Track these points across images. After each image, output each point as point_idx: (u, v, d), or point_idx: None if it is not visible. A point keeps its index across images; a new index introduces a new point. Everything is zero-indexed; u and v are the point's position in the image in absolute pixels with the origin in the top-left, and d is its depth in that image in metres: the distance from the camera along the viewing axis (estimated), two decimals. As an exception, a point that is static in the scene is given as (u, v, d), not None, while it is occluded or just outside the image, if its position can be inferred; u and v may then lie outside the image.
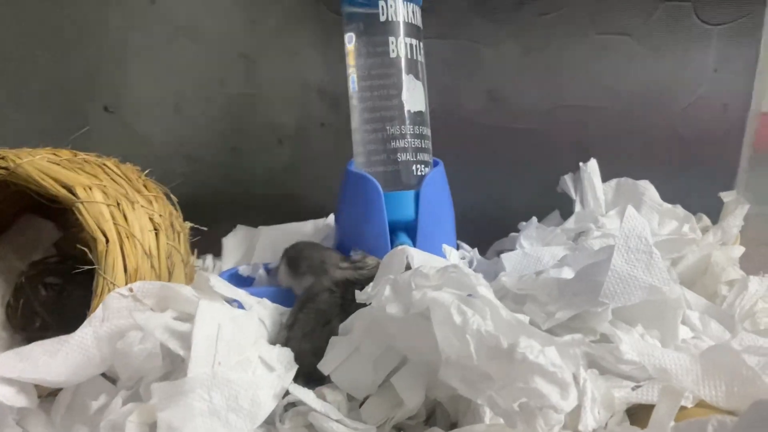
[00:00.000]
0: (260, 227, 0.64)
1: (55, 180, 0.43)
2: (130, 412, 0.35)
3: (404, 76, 0.52)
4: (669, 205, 0.61)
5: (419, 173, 0.52)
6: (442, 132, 0.56)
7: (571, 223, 0.59)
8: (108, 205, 0.44)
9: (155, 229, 0.48)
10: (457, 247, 0.61)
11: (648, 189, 0.61)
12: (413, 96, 0.52)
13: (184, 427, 0.33)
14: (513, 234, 0.63)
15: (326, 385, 0.40)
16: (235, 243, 0.63)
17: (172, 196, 0.57)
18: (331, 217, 0.65)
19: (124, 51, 0.65)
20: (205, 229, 0.58)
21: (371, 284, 0.40)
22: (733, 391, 0.36)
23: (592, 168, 0.62)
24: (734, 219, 0.60)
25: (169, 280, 0.49)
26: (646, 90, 0.67)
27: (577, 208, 0.61)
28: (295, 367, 0.39)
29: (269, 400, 0.37)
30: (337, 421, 0.37)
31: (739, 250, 0.59)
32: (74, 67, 0.66)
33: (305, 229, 0.64)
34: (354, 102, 0.54)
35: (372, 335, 0.38)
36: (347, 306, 0.42)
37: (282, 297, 0.49)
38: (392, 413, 0.38)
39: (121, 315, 0.40)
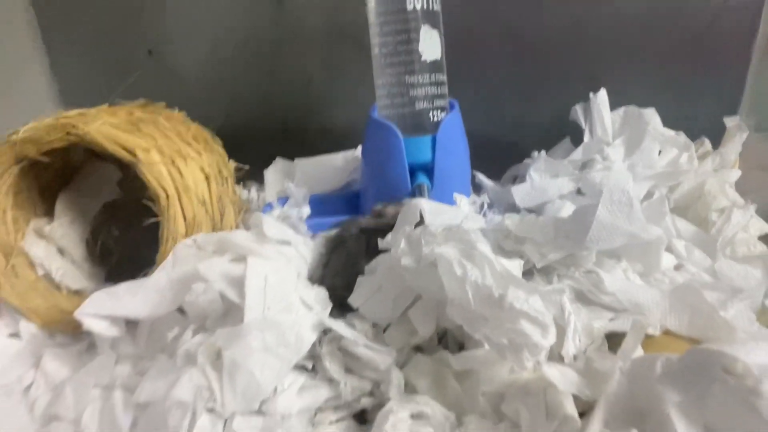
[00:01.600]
0: (296, 159, 0.71)
1: (119, 144, 0.51)
2: (200, 343, 0.45)
3: (421, 28, 0.56)
4: (672, 133, 0.65)
5: (435, 119, 0.58)
6: (458, 64, 0.61)
7: (578, 153, 0.64)
8: (165, 164, 0.52)
9: (206, 179, 0.56)
10: (474, 179, 0.67)
11: (653, 118, 0.65)
12: (429, 46, 0.57)
13: (245, 362, 0.42)
14: (527, 160, 0.69)
15: (355, 314, 0.48)
16: (275, 175, 0.70)
17: (217, 139, 0.64)
18: (359, 149, 0.71)
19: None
20: (247, 166, 0.65)
21: (391, 233, 0.47)
22: (694, 322, 0.44)
23: (601, 99, 0.66)
24: (733, 145, 0.64)
25: (222, 221, 0.57)
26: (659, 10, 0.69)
27: (587, 136, 0.66)
28: (329, 305, 0.48)
29: (310, 333, 0.45)
30: (364, 345, 0.46)
31: (735, 174, 0.64)
32: (120, 12, 0.71)
33: (336, 161, 0.70)
34: (375, 51, 0.58)
35: (391, 277, 0.46)
36: (371, 250, 0.49)
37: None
38: (410, 339, 0.46)
39: (187, 261, 0.49)
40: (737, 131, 0.64)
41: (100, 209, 0.62)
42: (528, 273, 0.50)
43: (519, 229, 0.51)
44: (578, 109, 0.67)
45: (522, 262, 0.46)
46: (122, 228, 0.59)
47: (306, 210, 0.61)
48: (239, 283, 0.46)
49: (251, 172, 0.68)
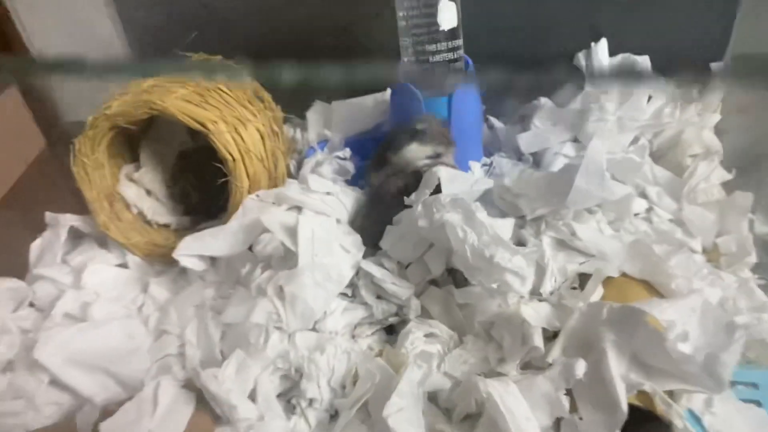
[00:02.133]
0: (333, 103, 0.82)
1: (191, 118, 0.63)
2: (268, 278, 0.60)
3: (439, 1, 0.65)
4: (661, 81, 0.74)
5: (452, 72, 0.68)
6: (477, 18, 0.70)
7: (577, 103, 0.74)
8: (229, 132, 0.64)
9: (261, 138, 0.68)
10: (486, 119, 0.78)
11: (645, 68, 0.73)
12: (447, 17, 0.65)
13: (301, 294, 0.57)
14: (534, 102, 0.79)
15: (384, 254, 0.62)
16: (315, 116, 0.82)
17: (266, 94, 0.75)
18: (388, 92, 0.81)
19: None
20: (292, 116, 0.77)
21: (415, 194, 0.60)
22: (645, 269, 0.56)
23: (601, 48, 0.74)
24: (714, 95, 0.73)
25: (276, 170, 0.70)
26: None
27: (587, 82, 0.75)
28: (362, 249, 0.62)
29: (349, 271, 0.60)
30: (390, 282, 0.60)
31: (714, 119, 0.73)
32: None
33: (367, 103, 0.81)
34: (399, 19, 0.67)
35: (412, 229, 0.59)
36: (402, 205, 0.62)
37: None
38: (425, 275, 0.61)
39: (253, 212, 0.63)
40: (719, 81, 0.72)
41: (177, 156, 0.75)
42: (521, 220, 0.63)
43: (515, 186, 0.63)
44: (581, 56, 0.76)
45: (513, 221, 0.59)
46: (196, 174, 0.73)
47: (346, 152, 0.74)
48: (293, 234, 0.59)
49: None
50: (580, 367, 0.48)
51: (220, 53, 0.76)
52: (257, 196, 0.63)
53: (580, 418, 0.46)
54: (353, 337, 0.62)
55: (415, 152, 0.64)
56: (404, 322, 0.61)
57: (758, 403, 0.52)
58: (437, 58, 0.66)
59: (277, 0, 0.81)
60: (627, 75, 0.73)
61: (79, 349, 0.58)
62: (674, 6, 0.75)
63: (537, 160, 0.73)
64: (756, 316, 0.55)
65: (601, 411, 0.45)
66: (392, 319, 0.62)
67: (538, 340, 0.52)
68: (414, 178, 0.63)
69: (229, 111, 0.66)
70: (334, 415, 0.56)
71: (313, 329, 0.59)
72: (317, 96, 0.83)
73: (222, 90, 0.68)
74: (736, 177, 0.72)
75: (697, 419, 0.51)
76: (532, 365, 0.53)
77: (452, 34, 0.66)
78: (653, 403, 0.47)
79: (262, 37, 0.83)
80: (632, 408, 0.45)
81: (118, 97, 0.65)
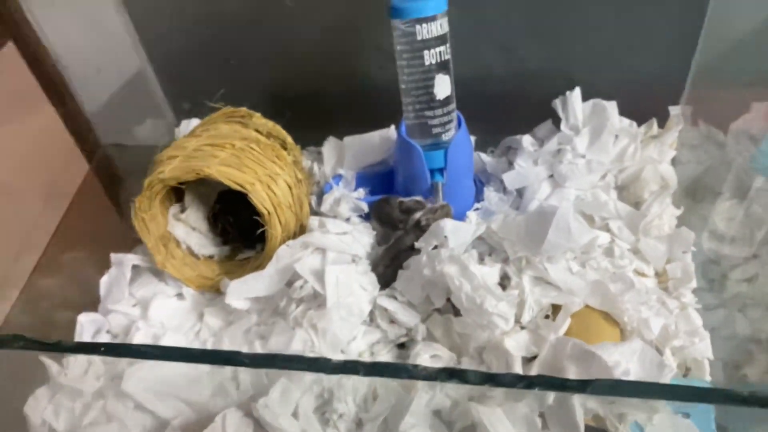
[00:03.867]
0: (344, 138, 0.95)
1: (233, 181, 0.76)
2: (303, 312, 0.74)
3: (435, 76, 0.77)
4: (626, 123, 0.87)
5: (446, 138, 0.80)
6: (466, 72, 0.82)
7: (554, 143, 0.87)
8: (264, 190, 0.77)
9: (290, 188, 0.82)
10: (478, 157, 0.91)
11: (612, 113, 0.86)
12: (442, 88, 0.77)
13: (330, 327, 0.72)
14: (518, 136, 0.91)
15: (398, 292, 0.76)
16: (330, 152, 0.95)
17: (289, 139, 0.88)
18: (392, 129, 0.94)
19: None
20: (308, 149, 0.91)
21: (423, 240, 0.74)
22: (603, 303, 0.71)
23: (575, 95, 0.87)
24: (671, 133, 0.85)
25: (301, 212, 0.84)
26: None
27: (563, 124, 0.88)
28: (377, 286, 0.76)
29: (367, 306, 0.74)
30: (400, 313, 0.75)
31: (670, 155, 0.86)
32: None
33: (374, 140, 0.94)
34: (402, 86, 0.79)
35: (419, 273, 0.73)
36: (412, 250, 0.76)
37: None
38: (430, 306, 0.75)
39: (285, 258, 0.77)
40: (675, 122, 0.85)
41: (216, 197, 0.88)
42: (506, 259, 0.77)
43: (500, 230, 0.77)
44: (558, 102, 0.88)
45: (499, 267, 0.74)
46: (233, 212, 0.86)
47: (359, 192, 0.88)
48: (321, 278, 0.74)
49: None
50: (550, 395, 0.64)
51: (240, 101, 0.89)
52: (287, 245, 0.77)
53: (550, 436, 0.62)
54: (372, 354, 0.77)
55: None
56: (413, 340, 0.76)
57: (687, 415, 0.68)
58: (434, 121, 0.79)
59: (293, 49, 0.93)
60: (599, 116, 0.86)
61: (155, 379, 0.73)
62: (635, 56, 0.87)
63: (520, 192, 0.87)
64: (689, 340, 0.70)
65: (565, 431, 0.61)
66: (403, 339, 0.77)
67: (518, 368, 0.67)
68: (422, 231, 0.77)
69: (262, 170, 0.79)
70: (359, 424, 0.72)
71: (342, 352, 0.75)
72: (330, 130, 0.96)
73: (254, 149, 0.81)
74: (690, 200, 0.86)
75: (641, 429, 0.67)
76: (513, 386, 0.69)
77: (446, 101, 0.78)
78: (605, 423, 0.63)
79: (280, 85, 0.95)
80: (588, 427, 0.61)
81: (168, 161, 0.78)
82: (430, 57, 0.75)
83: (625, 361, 0.62)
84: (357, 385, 0.72)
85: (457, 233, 0.74)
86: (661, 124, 0.89)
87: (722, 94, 0.85)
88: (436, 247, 0.74)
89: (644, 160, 0.85)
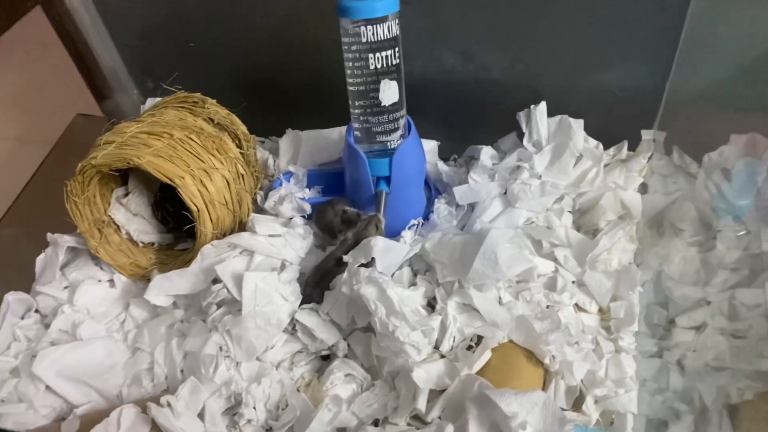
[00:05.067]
0: (303, 132, 0.91)
1: (162, 174, 0.73)
2: (221, 316, 0.72)
3: (381, 81, 0.72)
4: (593, 144, 0.81)
5: (392, 146, 0.76)
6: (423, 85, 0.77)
7: (513, 159, 0.82)
8: (195, 185, 0.75)
9: (227, 184, 0.79)
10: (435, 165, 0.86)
11: (578, 131, 0.80)
12: (388, 94, 0.73)
13: (245, 335, 0.70)
14: (481, 146, 0.86)
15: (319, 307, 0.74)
16: (287, 145, 0.91)
17: (243, 127, 0.85)
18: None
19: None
20: (263, 140, 0.88)
21: (351, 256, 0.71)
22: (527, 340, 0.67)
23: (540, 109, 0.81)
24: (639, 159, 0.79)
25: (240, 209, 0.81)
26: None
27: (526, 139, 0.82)
28: (299, 298, 0.73)
29: (286, 318, 0.72)
30: (320, 330, 0.72)
31: (637, 182, 0.80)
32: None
33: (333, 136, 0.90)
34: (349, 88, 0.75)
35: (344, 293, 0.70)
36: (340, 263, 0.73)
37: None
38: (354, 325, 0.72)
39: (210, 257, 0.75)
40: (647, 147, 0.79)
41: (159, 183, 0.86)
42: (435, 281, 0.73)
43: (433, 252, 0.73)
44: (522, 116, 0.82)
45: (423, 290, 0.70)
46: (175, 203, 0.84)
47: (306, 192, 0.85)
48: (240, 284, 0.71)
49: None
50: (449, 431, 0.60)
51: (201, 89, 0.86)
52: (212, 245, 0.75)
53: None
54: (292, 363, 0.75)
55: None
56: (335, 354, 0.74)
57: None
58: (379, 129, 0.75)
59: (259, 36, 0.89)
60: (563, 134, 0.80)
61: (68, 364, 0.72)
62: (607, 72, 0.80)
63: (472, 206, 0.82)
64: (614, 390, 0.66)
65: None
66: (325, 352, 0.75)
67: (422, 402, 0.64)
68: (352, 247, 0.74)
69: (197, 163, 0.76)
70: (269, 430, 0.70)
71: (257, 359, 0.73)
72: (292, 122, 0.92)
73: (193, 140, 0.78)
74: (654, 233, 0.81)
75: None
76: (418, 418, 0.66)
77: (394, 107, 0.74)
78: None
79: (241, 72, 0.92)
80: None
81: (104, 146, 0.75)
82: (376, 61, 0.71)
83: (524, 413, 0.58)
84: (269, 392, 0.70)
85: (387, 254, 0.71)
86: (633, 147, 0.83)
87: (700, 120, 0.79)
88: (363, 264, 0.71)
89: (605, 186, 0.79)
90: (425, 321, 0.67)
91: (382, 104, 0.73)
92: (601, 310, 0.75)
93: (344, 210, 0.78)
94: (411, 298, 0.69)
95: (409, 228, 0.79)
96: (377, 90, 0.72)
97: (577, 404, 0.67)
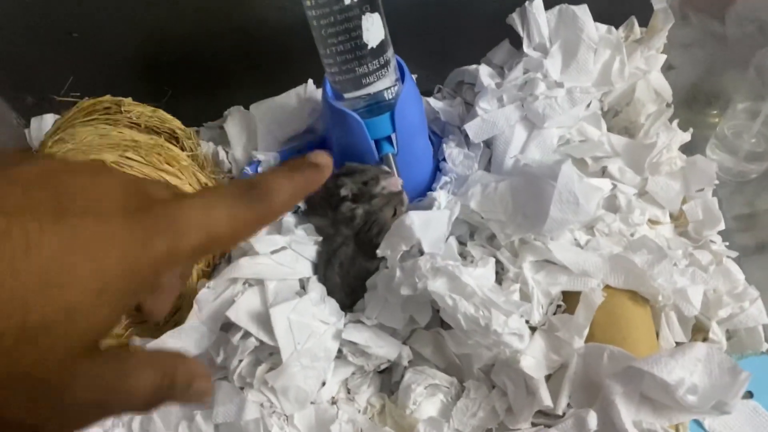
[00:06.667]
0: (251, 106, 0.72)
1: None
2: (251, 366, 0.56)
3: (362, 17, 0.55)
4: (604, 29, 0.68)
5: (390, 97, 0.60)
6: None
7: (519, 72, 0.68)
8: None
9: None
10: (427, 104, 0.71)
11: (586, 20, 0.67)
12: (373, 31, 0.56)
13: (292, 383, 0.54)
14: (473, 67, 0.72)
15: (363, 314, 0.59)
16: (236, 128, 0.72)
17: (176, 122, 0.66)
18: (311, 84, 0.72)
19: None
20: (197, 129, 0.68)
21: (387, 244, 0.56)
22: (628, 281, 0.56)
23: (536, 5, 0.67)
24: (660, 34, 0.68)
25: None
26: None
27: (526, 44, 0.69)
28: (342, 315, 0.58)
29: (334, 343, 0.57)
30: (375, 346, 0.57)
31: (661, 60, 0.69)
32: None
33: (290, 102, 0.72)
34: (320, 48, 0.58)
35: (393, 292, 0.56)
36: (362, 246, 0.58)
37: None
38: (414, 325, 0.58)
39: (209, 304, 0.57)
40: (663, 18, 0.67)
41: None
42: (491, 237, 0.60)
43: (482, 209, 0.59)
44: (515, 17, 0.68)
45: (493, 263, 0.56)
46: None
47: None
48: (267, 326, 0.55)
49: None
50: (593, 420, 0.49)
51: (105, 91, 0.66)
52: (209, 287, 0.58)
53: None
54: (349, 393, 0.60)
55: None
56: (397, 363, 0.60)
57: (749, 394, 0.55)
58: (371, 79, 0.58)
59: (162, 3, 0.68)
60: (569, 28, 0.67)
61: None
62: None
63: (488, 142, 0.68)
64: (738, 306, 0.56)
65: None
66: (384, 365, 0.61)
67: (545, 395, 0.52)
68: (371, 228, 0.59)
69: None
70: (355, 485, 0.57)
71: (312, 403, 0.58)
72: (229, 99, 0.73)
73: (133, 159, 0.59)
74: (686, 112, 0.71)
75: (698, 422, 0.54)
76: (542, 413, 0.54)
77: (381, 48, 0.57)
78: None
79: (149, 55, 0.71)
80: None
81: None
82: (349, -11, 0.54)
83: (689, 375, 0.47)
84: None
85: (428, 229, 0.56)
86: (643, 23, 0.71)
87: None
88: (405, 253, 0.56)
89: (633, 76, 0.67)
90: (514, 300, 0.54)
91: (369, 47, 0.57)
92: (672, 218, 0.65)
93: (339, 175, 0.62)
94: (485, 276, 0.55)
95: (441, 187, 0.64)
96: (356, 29, 0.56)
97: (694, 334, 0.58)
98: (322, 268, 0.61)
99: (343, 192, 0.60)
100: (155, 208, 0.21)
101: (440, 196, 0.62)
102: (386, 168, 0.62)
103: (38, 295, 0.17)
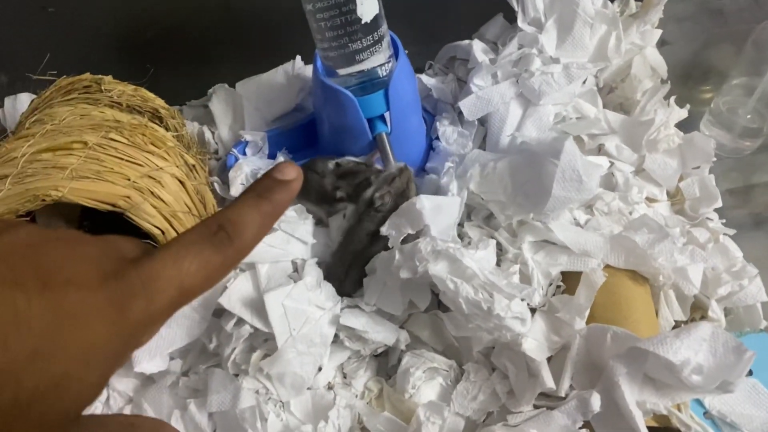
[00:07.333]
0: (237, 84, 0.70)
1: (98, 200, 0.52)
2: (246, 356, 0.55)
3: (355, -9, 0.53)
4: (599, 4, 0.66)
5: (384, 74, 0.58)
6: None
7: (513, 47, 0.66)
8: (146, 200, 0.54)
9: (182, 184, 0.58)
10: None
11: (581, -2, 0.65)
12: (366, 6, 0.54)
13: (288, 369, 0.53)
14: (465, 41, 0.70)
15: (361, 300, 0.57)
16: (221, 107, 0.70)
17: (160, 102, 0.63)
18: (299, 60, 0.70)
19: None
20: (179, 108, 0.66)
21: (392, 226, 0.55)
22: (629, 260, 0.55)
23: (532, -22, 0.65)
24: (656, 10, 0.66)
25: (205, 208, 0.61)
26: None
27: (520, 18, 0.67)
28: (338, 301, 0.56)
29: (330, 329, 0.55)
30: (373, 331, 0.56)
31: (656, 35, 0.68)
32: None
33: (277, 79, 0.69)
34: (311, 22, 0.56)
35: (392, 276, 0.54)
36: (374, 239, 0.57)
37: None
38: (412, 309, 0.57)
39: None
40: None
41: (80, 213, 0.64)
42: (488, 217, 0.59)
43: (482, 190, 0.58)
44: (509, -11, 0.66)
45: (494, 245, 0.55)
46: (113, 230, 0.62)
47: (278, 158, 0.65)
48: (261, 312, 0.53)
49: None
50: (596, 401, 0.48)
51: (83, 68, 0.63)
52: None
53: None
54: (345, 377, 0.59)
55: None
56: (393, 348, 0.59)
57: (749, 371, 0.55)
58: (365, 55, 0.56)
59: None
60: (562, 4, 0.65)
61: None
62: None
63: (482, 120, 0.67)
64: (737, 283, 0.56)
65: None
66: (380, 350, 0.59)
67: (547, 377, 0.51)
68: (379, 212, 0.57)
69: (136, 171, 0.55)
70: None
71: (309, 389, 0.56)
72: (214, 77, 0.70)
73: (117, 140, 0.56)
74: (680, 88, 0.70)
75: (698, 400, 0.54)
76: (544, 395, 0.53)
77: (375, 23, 0.55)
78: (669, 420, 0.49)
79: (132, 30, 0.68)
80: (650, 429, 0.47)
81: (-3, 187, 0.52)
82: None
83: (694, 355, 0.47)
84: (338, 423, 0.55)
85: (439, 214, 0.55)
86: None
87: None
88: (409, 236, 0.55)
89: (629, 52, 0.66)
90: (516, 283, 0.52)
91: (362, 21, 0.55)
92: (669, 195, 0.64)
93: (337, 164, 0.60)
94: (486, 259, 0.54)
95: (446, 173, 0.62)
96: (353, 8, 0.54)
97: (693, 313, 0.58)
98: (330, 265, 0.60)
99: (339, 194, 0.59)
100: (129, 271, 0.22)
101: (449, 182, 0.60)
102: (379, 166, 0.61)
103: (29, 367, 0.18)
